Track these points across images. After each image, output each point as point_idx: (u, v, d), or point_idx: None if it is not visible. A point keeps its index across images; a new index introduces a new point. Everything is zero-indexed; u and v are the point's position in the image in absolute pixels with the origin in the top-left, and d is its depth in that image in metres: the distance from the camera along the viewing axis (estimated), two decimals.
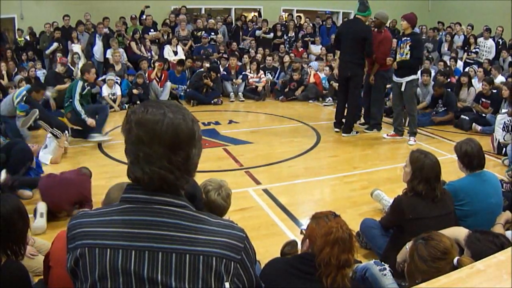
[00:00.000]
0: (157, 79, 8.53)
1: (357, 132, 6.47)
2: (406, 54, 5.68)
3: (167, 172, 1.03)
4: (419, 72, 6.67)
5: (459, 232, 2.32)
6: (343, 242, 1.79)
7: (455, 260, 1.73)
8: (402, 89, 5.82)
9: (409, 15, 5.79)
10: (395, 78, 5.97)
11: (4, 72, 8.05)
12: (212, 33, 10.50)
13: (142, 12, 10.39)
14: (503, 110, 6.08)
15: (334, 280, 1.76)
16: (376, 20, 6.22)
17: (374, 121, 6.61)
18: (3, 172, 3.79)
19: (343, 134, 6.37)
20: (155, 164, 1.02)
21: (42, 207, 3.30)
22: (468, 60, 9.64)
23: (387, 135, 6.30)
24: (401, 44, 5.76)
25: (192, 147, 1.07)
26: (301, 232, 2.13)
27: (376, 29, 6.23)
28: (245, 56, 9.77)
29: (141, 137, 1.02)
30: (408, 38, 5.67)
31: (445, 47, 10.43)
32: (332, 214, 2.01)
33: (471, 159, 2.88)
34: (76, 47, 9.30)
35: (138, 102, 8.08)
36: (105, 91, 7.93)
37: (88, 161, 4.88)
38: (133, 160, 1.05)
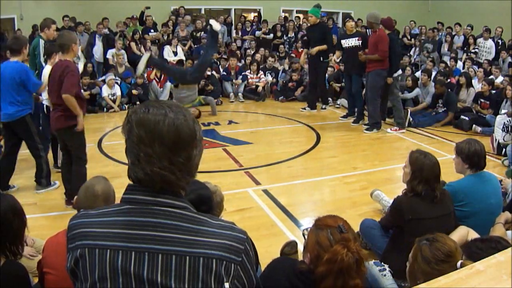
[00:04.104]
0: (157, 79, 8.54)
1: (324, 108, 8.10)
2: None
3: (168, 172, 1.03)
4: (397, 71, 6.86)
5: (465, 234, 2.31)
6: (348, 271, 1.55)
7: (458, 264, 1.71)
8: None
9: (387, 19, 6.61)
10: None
11: None
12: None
13: (143, 13, 10.39)
14: (503, 111, 6.09)
15: None
16: (367, 22, 6.58)
17: (372, 121, 6.63)
18: None
19: (323, 106, 8.12)
20: (156, 164, 1.02)
21: None
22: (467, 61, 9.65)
23: (391, 129, 6.70)
24: None
25: (193, 148, 1.07)
26: (303, 234, 1.92)
27: (371, 31, 6.67)
28: (248, 57, 9.78)
29: (142, 137, 1.02)
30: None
31: (445, 48, 10.43)
32: (337, 227, 1.65)
33: (479, 158, 2.89)
34: None
35: (138, 102, 8.10)
36: (105, 91, 7.93)
37: (89, 162, 4.87)
38: (134, 160, 1.04)
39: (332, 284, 1.56)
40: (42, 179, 4.24)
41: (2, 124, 4.23)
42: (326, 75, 8.50)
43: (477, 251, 1.90)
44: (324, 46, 7.36)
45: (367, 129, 6.63)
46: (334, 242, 1.62)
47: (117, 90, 8.06)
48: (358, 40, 6.92)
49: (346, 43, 7.02)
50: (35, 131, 4.15)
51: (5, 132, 4.24)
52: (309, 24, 7.89)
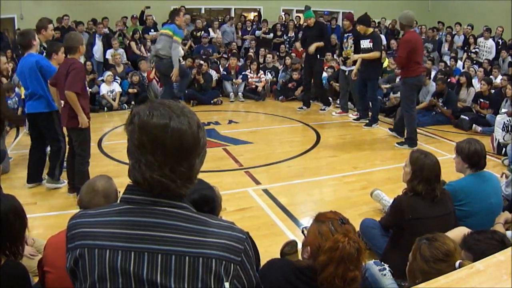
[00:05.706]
0: (157, 79, 8.52)
1: (324, 109, 8.08)
2: (350, 47, 7.04)
3: (168, 180, 1.02)
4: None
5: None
6: (350, 260, 1.57)
7: (457, 263, 1.71)
8: (347, 74, 7.29)
9: (348, 14, 7.34)
10: (342, 67, 7.48)
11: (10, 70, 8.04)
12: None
13: (143, 13, 10.39)
14: (503, 110, 6.09)
15: None
16: (399, 23, 5.97)
17: (407, 135, 5.83)
18: None
19: (322, 107, 8.11)
20: (156, 172, 1.01)
21: None
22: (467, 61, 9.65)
23: (335, 113, 7.74)
24: (344, 40, 7.21)
25: (196, 156, 1.05)
26: (303, 232, 1.93)
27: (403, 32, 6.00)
28: (251, 55, 9.80)
29: (144, 143, 1.00)
30: (350, 34, 7.06)
31: (445, 47, 10.43)
32: (338, 219, 1.70)
33: (480, 158, 2.89)
34: None
35: (133, 102, 8.08)
36: (104, 89, 7.92)
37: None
38: (134, 164, 1.04)
39: (332, 273, 1.57)
40: (56, 170, 4.25)
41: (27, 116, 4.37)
42: (325, 74, 8.49)
43: (475, 242, 1.92)
44: (321, 43, 7.42)
45: (399, 143, 5.82)
46: (335, 232, 1.64)
47: (116, 87, 8.05)
48: (370, 42, 6.68)
49: (361, 44, 6.84)
50: (58, 125, 4.21)
51: (29, 124, 4.49)
52: (305, 24, 7.95)
